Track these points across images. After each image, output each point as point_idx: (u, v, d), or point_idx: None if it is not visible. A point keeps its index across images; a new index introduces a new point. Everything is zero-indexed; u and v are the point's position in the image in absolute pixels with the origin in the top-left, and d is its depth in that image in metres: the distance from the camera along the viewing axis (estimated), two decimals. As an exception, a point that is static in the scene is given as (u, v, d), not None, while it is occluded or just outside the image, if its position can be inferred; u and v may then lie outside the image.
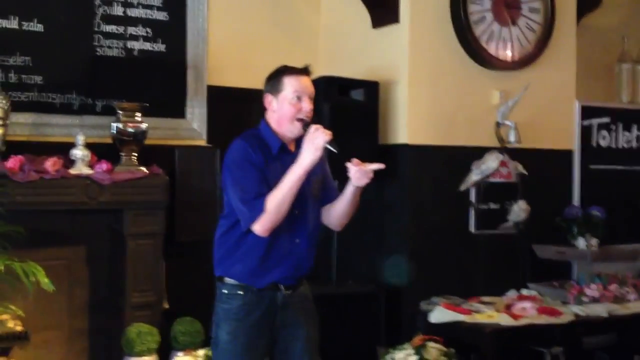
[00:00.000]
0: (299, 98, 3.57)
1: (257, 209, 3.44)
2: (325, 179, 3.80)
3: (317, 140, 3.42)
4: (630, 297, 5.55)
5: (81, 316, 5.06)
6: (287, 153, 3.61)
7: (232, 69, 5.75)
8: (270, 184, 3.48)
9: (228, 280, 3.61)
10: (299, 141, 3.57)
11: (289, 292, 3.62)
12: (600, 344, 5.45)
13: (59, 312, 4.98)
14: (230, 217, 3.61)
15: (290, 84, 3.58)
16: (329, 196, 3.79)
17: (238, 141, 3.60)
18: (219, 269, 3.66)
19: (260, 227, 3.45)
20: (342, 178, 3.67)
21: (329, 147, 3.45)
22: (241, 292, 3.57)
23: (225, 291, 3.61)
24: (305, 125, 3.54)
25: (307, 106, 3.59)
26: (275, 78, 3.64)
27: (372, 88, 5.59)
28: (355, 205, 3.76)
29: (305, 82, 3.63)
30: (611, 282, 5.59)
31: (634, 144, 6.62)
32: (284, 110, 3.59)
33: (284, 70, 3.65)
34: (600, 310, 5.29)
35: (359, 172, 3.56)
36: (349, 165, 3.57)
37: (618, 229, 6.07)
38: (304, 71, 3.64)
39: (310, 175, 3.54)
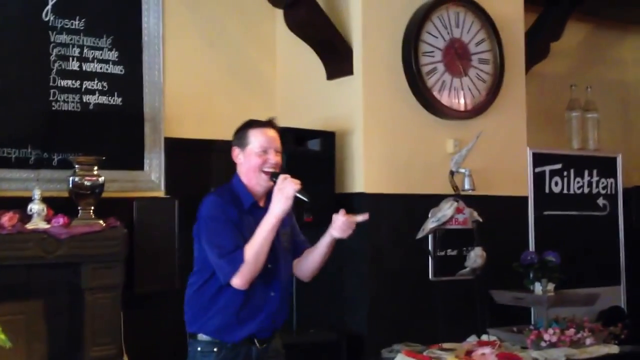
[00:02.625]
0: (264, 151, 3.60)
1: (236, 262, 3.44)
2: (294, 231, 3.85)
3: (286, 190, 3.44)
4: (587, 341, 5.52)
5: (38, 371, 4.93)
6: (258, 208, 3.62)
7: (189, 120, 5.73)
8: (245, 238, 3.48)
9: (202, 337, 3.59)
10: (269, 196, 3.57)
11: (264, 346, 3.62)
12: None
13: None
14: (202, 272, 3.62)
15: (255, 137, 3.61)
16: (300, 248, 3.84)
17: (213, 197, 3.62)
18: (193, 325, 3.63)
19: (240, 279, 3.45)
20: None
21: (299, 195, 3.47)
22: (216, 349, 3.55)
23: (199, 348, 3.58)
24: (273, 175, 3.56)
25: (272, 158, 3.61)
26: (242, 132, 3.68)
27: (328, 138, 5.60)
28: (328, 256, 3.80)
29: (271, 135, 3.65)
30: (569, 327, 5.57)
31: (586, 190, 6.66)
32: (251, 162, 3.61)
33: (251, 124, 3.69)
34: (558, 354, 5.27)
35: (345, 224, 3.60)
36: (335, 216, 3.62)
37: (573, 274, 6.06)
38: (270, 124, 3.68)
39: (279, 228, 3.55)
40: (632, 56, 8.24)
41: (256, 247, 3.44)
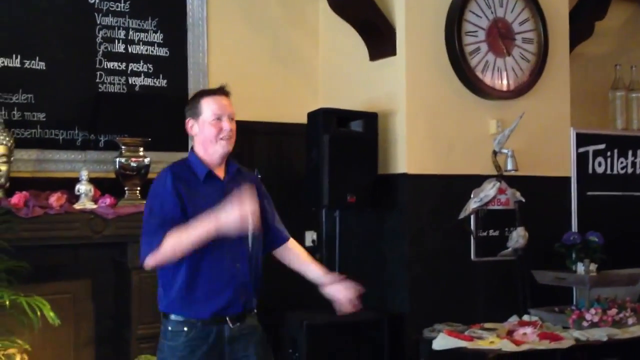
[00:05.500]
0: (218, 118, 3.45)
1: (152, 245, 3.29)
2: (266, 216, 3.62)
3: (245, 211, 3.21)
4: (629, 321, 5.46)
5: (87, 349, 4.96)
6: (215, 178, 3.49)
7: (232, 102, 5.61)
8: (196, 210, 3.30)
9: (172, 316, 3.45)
10: (228, 167, 3.51)
11: (237, 324, 3.46)
12: None
13: (65, 345, 4.88)
14: None
15: (208, 106, 3.46)
16: (278, 239, 3.72)
17: (162, 171, 3.50)
18: (163, 304, 3.50)
19: (151, 262, 3.32)
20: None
21: (248, 234, 3.34)
22: (186, 329, 3.40)
23: (170, 328, 3.45)
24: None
25: (227, 125, 3.46)
26: (193, 102, 3.53)
27: (370, 119, 5.50)
28: None
29: (224, 102, 3.50)
30: (610, 307, 5.50)
31: (629, 170, 6.51)
32: (206, 132, 3.46)
33: (202, 93, 3.56)
34: (600, 334, 5.20)
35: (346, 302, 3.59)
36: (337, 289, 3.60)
37: (616, 254, 5.92)
38: (222, 91, 3.53)
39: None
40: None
41: (177, 243, 3.27)
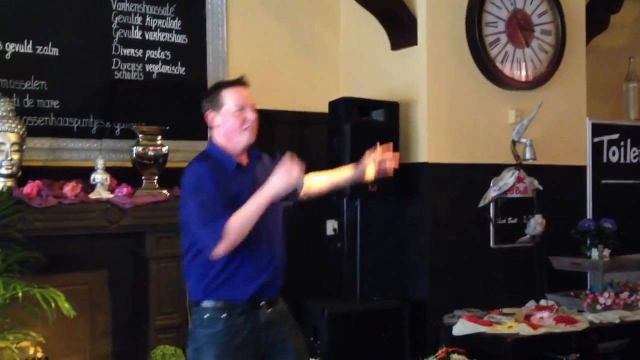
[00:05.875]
0: (241, 109, 2.92)
1: (217, 232, 2.72)
2: None
3: (293, 176, 2.76)
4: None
5: (103, 341, 3.99)
6: (242, 167, 2.95)
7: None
8: (230, 202, 2.79)
9: (210, 303, 2.86)
10: (250, 152, 2.99)
11: (272, 308, 2.93)
12: (614, 349, 4.71)
13: (81, 337, 3.93)
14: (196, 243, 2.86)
15: (230, 97, 2.93)
16: (298, 190, 3.12)
17: (195, 164, 2.90)
18: (197, 293, 2.89)
19: (221, 249, 2.74)
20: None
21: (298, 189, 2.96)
22: (224, 315, 2.84)
23: (207, 315, 2.86)
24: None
25: (251, 116, 2.93)
26: (214, 94, 2.97)
27: (392, 108, 4.62)
28: None
29: (245, 93, 2.97)
30: (622, 290, 4.94)
31: None
32: (229, 124, 2.92)
33: (221, 85, 3.01)
34: (612, 317, 4.66)
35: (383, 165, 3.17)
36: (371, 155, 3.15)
37: (629, 240, 5.19)
38: (242, 82, 3.00)
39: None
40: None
41: (242, 219, 2.74)
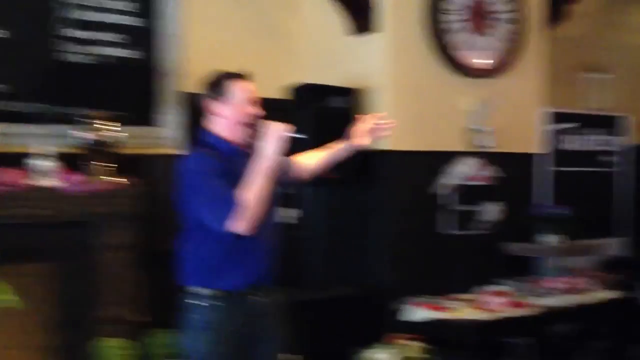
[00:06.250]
0: (249, 103, 2.94)
1: (229, 204, 2.73)
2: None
3: (277, 131, 2.82)
4: (592, 287, 5.11)
5: (52, 332, 3.79)
6: (239, 155, 2.94)
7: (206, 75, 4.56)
8: (241, 180, 2.80)
9: (205, 291, 2.87)
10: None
11: (266, 296, 2.97)
12: (568, 332, 4.88)
13: (29, 329, 3.73)
14: (198, 229, 2.84)
15: (240, 90, 2.93)
16: (288, 172, 3.17)
17: (195, 154, 2.93)
18: (196, 280, 2.89)
19: (243, 223, 2.74)
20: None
21: (293, 135, 2.88)
22: (220, 303, 2.86)
23: (203, 303, 2.87)
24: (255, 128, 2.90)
25: (257, 111, 2.96)
26: (219, 83, 2.95)
27: (352, 95, 4.61)
28: None
29: (252, 88, 2.98)
30: (576, 275, 5.15)
31: (599, 147, 5.81)
32: (236, 115, 2.91)
33: (229, 75, 2.98)
34: (567, 301, 4.84)
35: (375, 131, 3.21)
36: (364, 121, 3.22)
37: (584, 226, 5.26)
38: (248, 77, 3.00)
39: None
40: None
41: (254, 189, 2.77)
